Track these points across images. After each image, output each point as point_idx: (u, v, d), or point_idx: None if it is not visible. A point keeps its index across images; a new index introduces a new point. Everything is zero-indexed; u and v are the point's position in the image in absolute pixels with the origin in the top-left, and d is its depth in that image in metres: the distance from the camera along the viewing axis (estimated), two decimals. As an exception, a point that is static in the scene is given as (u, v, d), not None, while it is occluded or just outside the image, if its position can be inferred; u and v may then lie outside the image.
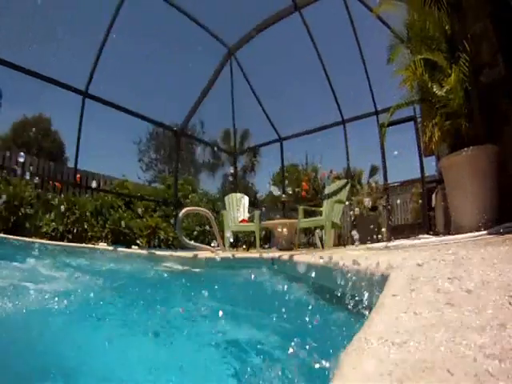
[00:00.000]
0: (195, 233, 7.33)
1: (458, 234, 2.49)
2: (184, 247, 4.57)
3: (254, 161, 20.48)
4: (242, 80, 8.13)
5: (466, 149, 2.79)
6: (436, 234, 4.60)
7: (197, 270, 3.24)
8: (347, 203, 6.28)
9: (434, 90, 3.00)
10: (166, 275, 3.02)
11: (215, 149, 18.24)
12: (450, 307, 0.54)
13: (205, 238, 7.33)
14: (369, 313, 0.62)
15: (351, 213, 7.32)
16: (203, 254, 3.57)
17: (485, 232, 2.18)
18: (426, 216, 5.92)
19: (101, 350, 1.06)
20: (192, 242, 4.46)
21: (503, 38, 2.94)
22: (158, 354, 1.06)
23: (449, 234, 3.27)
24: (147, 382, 0.90)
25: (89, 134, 5.96)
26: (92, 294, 1.74)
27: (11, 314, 1.34)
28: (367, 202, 6.69)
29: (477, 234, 2.18)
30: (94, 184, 7.57)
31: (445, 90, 2.86)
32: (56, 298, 1.58)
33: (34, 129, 17.61)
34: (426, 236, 3.36)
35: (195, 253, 3.93)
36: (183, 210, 4.33)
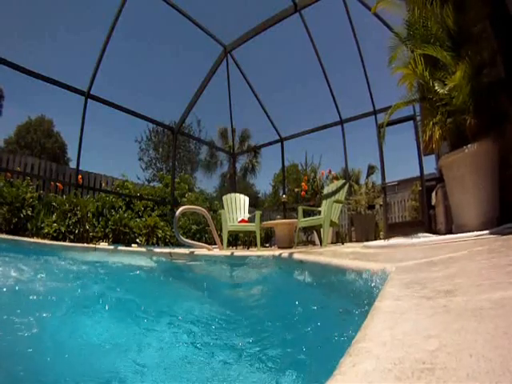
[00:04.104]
0: (192, 231, 7.35)
1: (459, 232, 2.48)
2: (181, 245, 4.61)
3: (254, 161, 20.49)
4: (242, 80, 8.13)
5: (467, 146, 2.78)
6: (437, 232, 4.60)
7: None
8: (346, 202, 6.29)
9: (436, 88, 2.98)
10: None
11: (213, 148, 18.30)
12: (446, 309, 0.54)
13: (201, 237, 7.36)
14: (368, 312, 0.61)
15: (349, 213, 7.33)
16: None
17: (486, 232, 2.18)
18: (426, 214, 5.92)
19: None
20: (188, 240, 4.50)
21: (502, 38, 2.93)
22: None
23: (450, 232, 3.27)
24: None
25: (90, 134, 5.95)
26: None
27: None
28: (364, 200, 6.70)
29: (478, 233, 2.17)
30: (103, 185, 7.64)
31: (448, 88, 2.85)
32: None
33: (35, 130, 17.71)
34: (426, 234, 3.35)
35: (191, 250, 3.97)
36: (180, 209, 4.34)
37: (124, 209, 6.50)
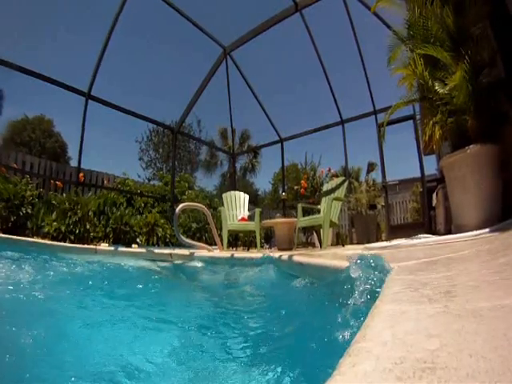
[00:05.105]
0: (192, 230, 7.35)
1: (458, 233, 2.48)
2: (181, 245, 4.60)
3: (254, 162, 20.47)
4: (242, 81, 8.13)
5: (468, 147, 2.78)
6: (436, 233, 4.59)
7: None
8: (345, 199, 6.26)
9: (436, 87, 2.98)
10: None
11: (213, 148, 18.31)
12: (447, 310, 0.54)
13: (201, 236, 7.37)
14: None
15: (349, 212, 7.30)
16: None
17: (486, 230, 2.18)
18: (427, 215, 5.91)
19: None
20: (189, 240, 4.47)
21: (502, 38, 2.93)
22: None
23: (449, 232, 3.26)
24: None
25: (90, 134, 5.95)
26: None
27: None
28: (365, 199, 6.65)
29: (478, 232, 2.17)
30: (105, 182, 7.71)
31: (448, 88, 2.84)
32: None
33: (34, 129, 17.63)
34: (426, 235, 3.35)
35: (191, 251, 3.97)
36: (180, 206, 4.31)
37: (125, 205, 6.54)
